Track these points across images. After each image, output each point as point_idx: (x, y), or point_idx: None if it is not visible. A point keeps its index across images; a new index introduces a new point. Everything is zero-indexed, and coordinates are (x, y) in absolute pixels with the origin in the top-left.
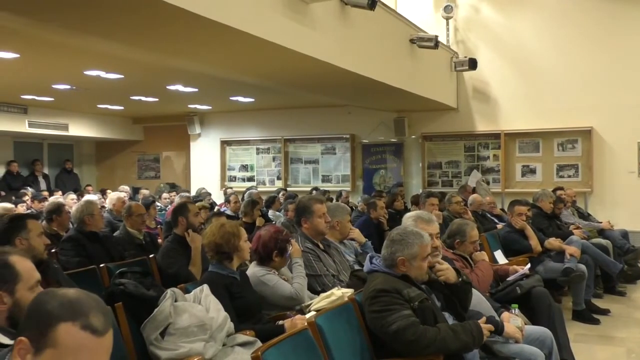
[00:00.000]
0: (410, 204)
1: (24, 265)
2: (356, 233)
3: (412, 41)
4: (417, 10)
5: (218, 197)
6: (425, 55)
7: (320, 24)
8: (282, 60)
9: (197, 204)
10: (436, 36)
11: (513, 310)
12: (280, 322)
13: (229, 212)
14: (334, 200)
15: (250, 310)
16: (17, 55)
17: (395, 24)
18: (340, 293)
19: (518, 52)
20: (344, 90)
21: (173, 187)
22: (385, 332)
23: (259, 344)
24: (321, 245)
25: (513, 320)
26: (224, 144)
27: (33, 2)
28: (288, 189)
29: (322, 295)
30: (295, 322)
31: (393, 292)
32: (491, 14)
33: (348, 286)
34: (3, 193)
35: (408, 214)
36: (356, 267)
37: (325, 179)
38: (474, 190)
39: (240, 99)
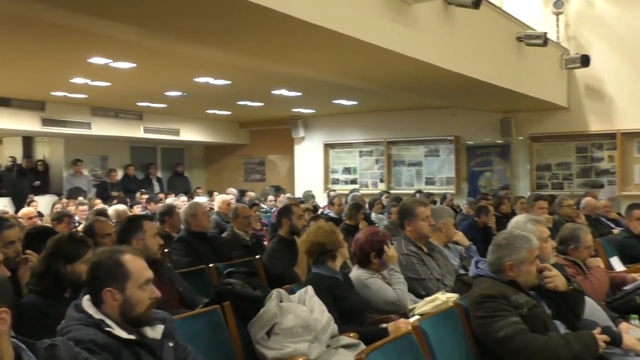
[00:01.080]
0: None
1: (135, 264)
2: (460, 236)
3: (519, 39)
4: (525, 7)
5: (321, 200)
6: (533, 53)
7: (423, 24)
8: (385, 63)
9: (301, 206)
10: (545, 33)
11: (633, 321)
12: (384, 325)
13: (332, 214)
14: (438, 203)
15: (354, 312)
16: (134, 65)
17: (501, 22)
18: (444, 298)
19: (636, 47)
20: (448, 91)
21: (278, 190)
22: (492, 339)
23: (362, 346)
24: (425, 249)
25: (633, 332)
26: (327, 147)
27: (148, 15)
28: (391, 191)
29: (426, 299)
30: (399, 326)
31: (500, 298)
32: (607, 8)
33: (453, 290)
34: (120, 194)
35: (515, 218)
36: (461, 271)
37: (429, 181)
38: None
39: (344, 102)
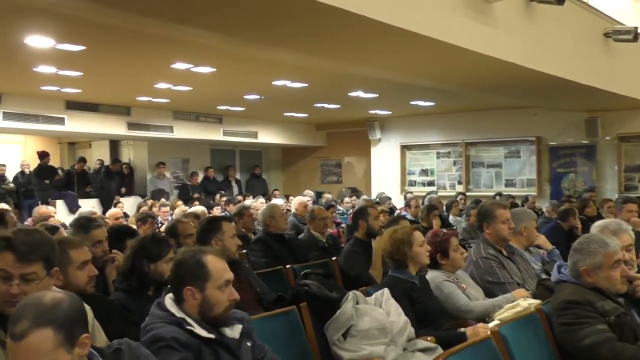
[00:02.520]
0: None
1: (215, 265)
2: (542, 239)
3: (607, 35)
4: (613, 1)
5: (398, 202)
6: (622, 49)
7: (504, 22)
8: (463, 63)
9: (377, 208)
10: (635, 28)
11: None
12: (462, 329)
13: (409, 216)
14: (520, 206)
15: (431, 315)
16: (214, 70)
17: (587, 18)
18: (526, 304)
19: None
20: (529, 91)
21: (354, 192)
22: (577, 347)
23: (439, 350)
24: (505, 252)
25: None
26: (404, 148)
27: (228, 21)
28: (469, 193)
29: (507, 305)
30: (478, 331)
31: (585, 304)
32: None
33: (534, 296)
34: (201, 196)
35: (595, 223)
36: (543, 276)
37: (509, 183)
38: None
39: (420, 103)
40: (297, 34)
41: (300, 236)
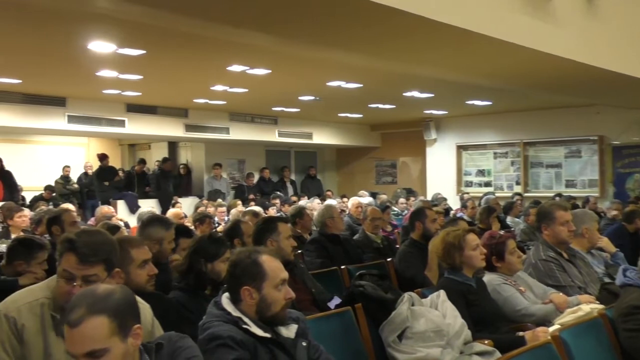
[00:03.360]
0: None
1: (271, 265)
2: (605, 242)
3: None
4: None
5: (454, 203)
6: None
7: (563, 18)
8: (521, 61)
9: (433, 209)
10: None
11: None
12: (521, 333)
13: (465, 217)
14: (580, 207)
15: (488, 318)
16: (269, 71)
17: None
18: (588, 308)
19: None
20: (591, 88)
21: (409, 192)
22: None
23: (497, 354)
24: (565, 255)
25: None
26: (460, 148)
27: (283, 22)
28: (527, 194)
29: (568, 310)
30: (538, 335)
31: None
32: None
33: (598, 300)
34: (257, 196)
35: None
36: (606, 279)
37: (569, 183)
38: None
39: (477, 102)
40: (352, 34)
41: (355, 237)
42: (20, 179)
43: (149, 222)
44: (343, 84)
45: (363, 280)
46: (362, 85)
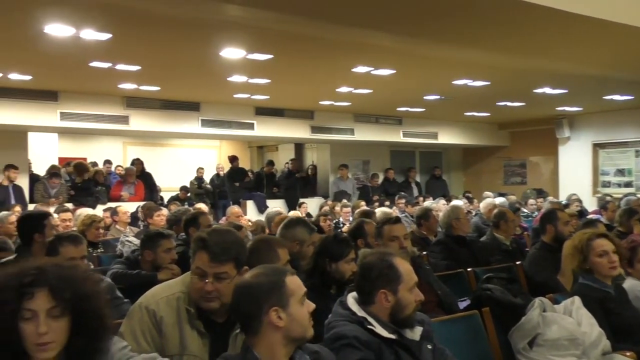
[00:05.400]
0: None
1: (405, 268)
2: None
3: None
4: None
5: (589, 204)
6: None
7: None
8: None
9: (565, 211)
10: None
11: None
12: None
13: (603, 220)
14: None
15: (630, 328)
16: (394, 71)
17: None
18: None
19: None
20: None
21: (540, 193)
22: None
23: None
24: None
25: None
26: (597, 147)
27: (408, 21)
28: None
29: None
30: None
31: None
32: None
33: None
34: (381, 197)
35: None
36: None
37: None
38: None
39: (616, 97)
40: (479, 31)
41: (482, 239)
42: (158, 180)
43: (294, 223)
44: (469, 82)
45: (491, 283)
46: (489, 82)
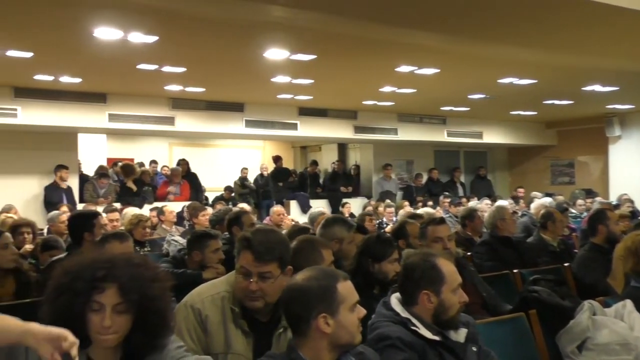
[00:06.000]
0: None
1: (448, 269)
2: None
3: None
4: None
5: None
6: None
7: None
8: None
9: (616, 212)
10: None
11: None
12: None
13: None
14: None
15: None
16: (438, 70)
17: None
18: None
19: None
20: None
21: (589, 194)
22: None
23: None
24: None
25: None
26: None
27: (453, 21)
28: None
29: None
30: None
31: None
32: None
33: None
34: (425, 197)
35: None
36: None
37: None
38: None
39: None
40: (525, 28)
41: (528, 240)
42: (203, 180)
43: (332, 221)
44: (515, 81)
45: (537, 285)
46: (536, 81)
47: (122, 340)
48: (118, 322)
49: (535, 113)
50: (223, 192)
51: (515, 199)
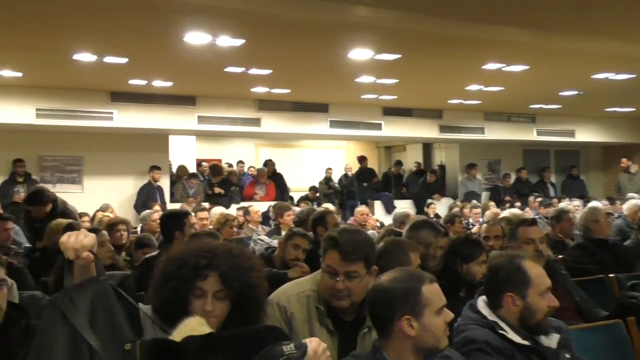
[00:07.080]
0: None
1: (535, 271)
2: None
3: None
4: None
5: None
6: None
7: None
8: None
9: None
10: None
11: None
12: None
13: None
14: None
15: None
16: (527, 67)
17: None
18: None
19: None
20: None
21: None
22: None
23: None
24: None
25: None
26: None
27: (542, 15)
28: None
29: None
30: None
31: None
32: None
33: None
34: (513, 198)
35: None
36: None
37: None
38: None
39: None
40: (621, 20)
41: (625, 242)
42: (288, 181)
43: (420, 225)
44: (611, 76)
45: (636, 291)
46: (634, 75)
47: (221, 324)
48: (218, 307)
49: (634, 109)
50: (308, 192)
51: (611, 200)
